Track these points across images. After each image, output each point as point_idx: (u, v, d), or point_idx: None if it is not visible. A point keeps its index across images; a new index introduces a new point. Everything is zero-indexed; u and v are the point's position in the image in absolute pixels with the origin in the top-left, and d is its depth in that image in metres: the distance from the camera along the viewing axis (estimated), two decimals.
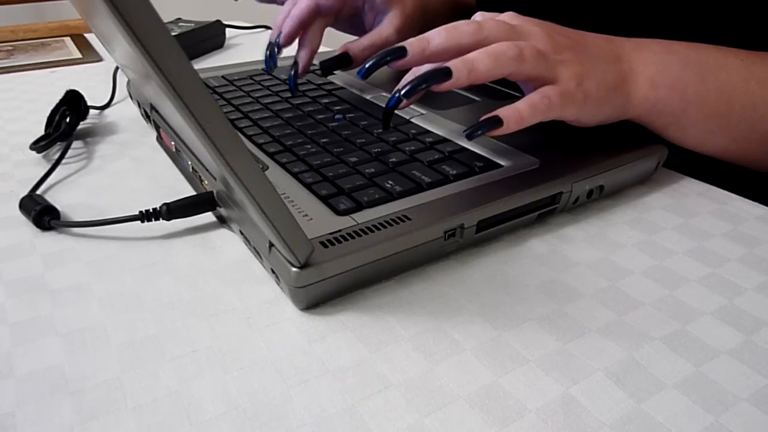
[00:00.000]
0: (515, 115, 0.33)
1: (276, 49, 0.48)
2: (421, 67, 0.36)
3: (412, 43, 0.33)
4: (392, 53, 0.33)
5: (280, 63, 0.59)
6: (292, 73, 0.48)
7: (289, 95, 0.49)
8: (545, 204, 0.35)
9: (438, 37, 0.33)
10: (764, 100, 0.37)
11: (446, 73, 0.32)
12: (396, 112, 0.45)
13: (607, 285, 0.30)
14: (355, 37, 0.51)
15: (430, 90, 0.33)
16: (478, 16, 0.37)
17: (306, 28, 0.48)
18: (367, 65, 0.33)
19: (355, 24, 0.56)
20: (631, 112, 0.38)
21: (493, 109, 0.33)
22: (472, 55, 0.33)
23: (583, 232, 0.35)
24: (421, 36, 0.34)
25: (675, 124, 0.39)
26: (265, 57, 0.49)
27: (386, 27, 0.51)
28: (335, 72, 0.54)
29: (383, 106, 0.47)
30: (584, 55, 0.36)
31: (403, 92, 0.33)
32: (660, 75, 0.37)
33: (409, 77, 0.36)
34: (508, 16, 0.36)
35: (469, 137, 0.33)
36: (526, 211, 0.34)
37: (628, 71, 0.37)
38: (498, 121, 0.33)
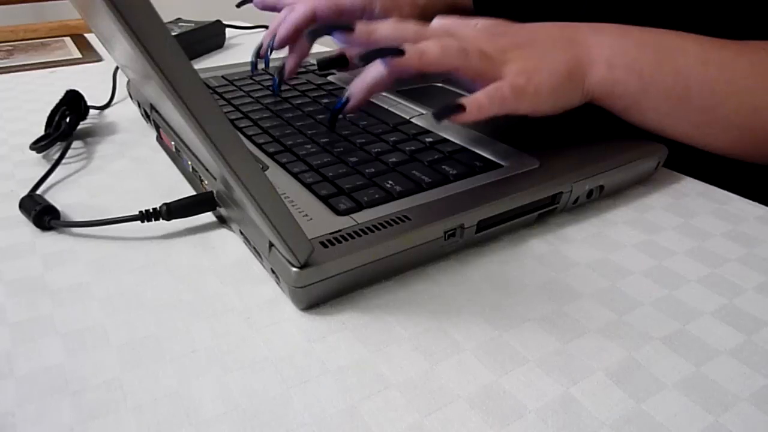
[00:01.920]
0: (475, 103, 0.34)
1: (269, 51, 0.49)
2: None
3: (359, 25, 0.35)
4: (340, 26, 0.35)
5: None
6: (277, 77, 0.49)
7: (290, 95, 0.49)
8: (545, 204, 0.35)
9: (385, 27, 0.36)
10: (722, 84, 0.37)
11: (399, 52, 0.34)
12: (395, 111, 0.45)
13: (607, 285, 0.30)
14: None
15: (386, 74, 0.36)
16: (436, 20, 0.39)
17: (298, 37, 0.49)
18: (314, 27, 0.36)
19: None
20: (588, 95, 0.39)
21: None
22: (423, 43, 0.34)
23: (583, 232, 0.35)
24: (370, 21, 0.36)
25: (634, 107, 0.39)
26: (253, 58, 0.51)
27: None
28: (334, 71, 0.55)
29: (382, 106, 0.47)
30: (531, 49, 0.37)
31: (359, 58, 0.34)
32: (616, 56, 0.38)
33: (359, 81, 0.38)
34: (448, 23, 0.39)
35: (437, 119, 0.34)
36: (526, 211, 0.34)
37: (583, 54, 0.38)
38: (460, 107, 0.34)
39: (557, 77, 0.37)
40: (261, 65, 0.54)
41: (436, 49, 0.34)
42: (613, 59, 0.38)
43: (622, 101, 0.39)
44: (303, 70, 0.57)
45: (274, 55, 0.52)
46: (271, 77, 0.55)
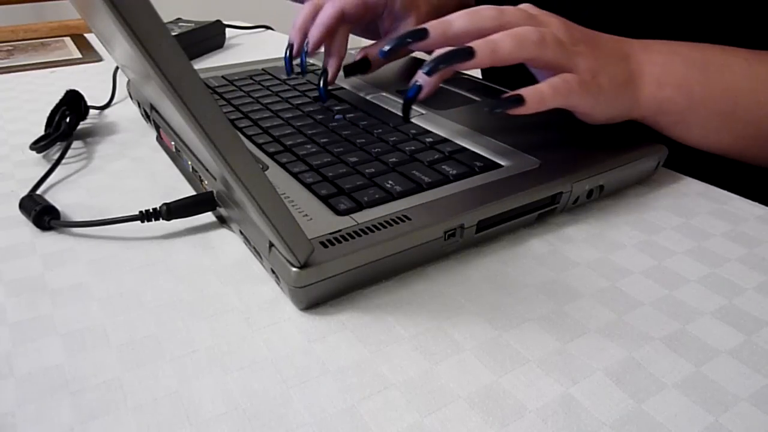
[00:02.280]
0: (537, 95, 0.33)
1: (304, 56, 0.48)
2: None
3: (433, 25, 0.33)
4: (413, 35, 0.33)
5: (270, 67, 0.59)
6: (322, 82, 0.48)
7: (290, 95, 0.49)
8: (545, 204, 0.35)
9: (460, 20, 0.34)
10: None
11: (469, 53, 0.32)
12: (395, 111, 0.45)
13: (607, 285, 0.30)
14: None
15: (454, 70, 0.33)
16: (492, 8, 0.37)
17: (332, 35, 0.48)
18: (387, 47, 0.34)
19: (372, 29, 0.57)
20: (637, 112, 0.39)
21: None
22: (495, 36, 0.33)
23: (583, 232, 0.35)
24: (442, 18, 0.34)
25: (680, 123, 0.39)
26: (287, 60, 0.48)
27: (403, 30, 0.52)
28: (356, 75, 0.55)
29: (382, 106, 0.47)
30: (597, 50, 0.36)
31: (425, 70, 0.33)
32: (666, 75, 0.38)
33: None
34: (527, 6, 0.37)
35: (491, 111, 0.33)
36: (526, 211, 0.34)
37: (636, 71, 0.38)
38: (519, 100, 0.32)
39: (616, 84, 0.36)
40: (296, 69, 0.54)
41: (511, 43, 0.33)
42: (663, 77, 0.38)
43: (669, 118, 0.39)
44: (303, 70, 0.57)
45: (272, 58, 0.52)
46: (272, 78, 0.55)
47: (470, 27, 0.34)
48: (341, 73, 0.56)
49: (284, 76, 0.55)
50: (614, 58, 0.37)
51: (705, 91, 0.38)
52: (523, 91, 0.33)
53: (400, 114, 0.45)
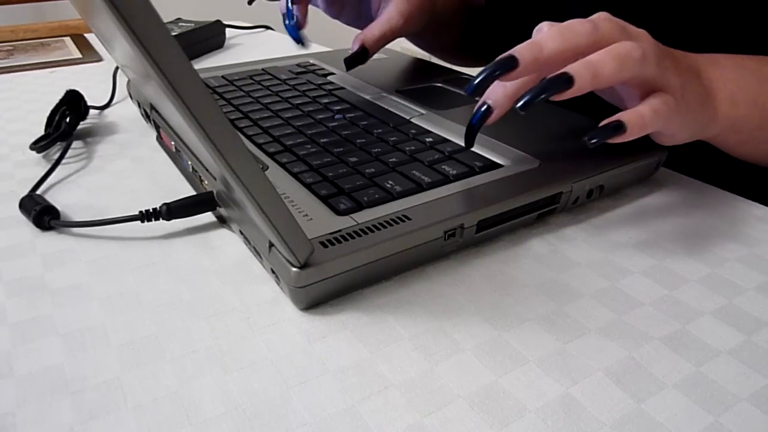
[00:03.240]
0: (639, 120, 0.30)
1: (290, 7, 0.49)
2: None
3: (522, 52, 0.30)
4: (502, 66, 0.30)
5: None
6: (291, 24, 0.49)
7: (290, 95, 0.49)
8: (545, 204, 0.35)
9: (552, 41, 0.30)
10: None
11: (567, 81, 0.29)
12: (395, 112, 0.45)
13: (607, 285, 0.30)
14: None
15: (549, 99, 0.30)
16: (576, 21, 0.32)
17: None
18: (475, 82, 0.30)
19: (364, 14, 0.55)
20: (711, 131, 0.37)
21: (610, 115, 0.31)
22: (594, 57, 0.29)
23: (583, 232, 0.35)
24: (531, 41, 0.30)
25: (750, 141, 0.38)
26: (287, 28, 0.50)
27: (393, 15, 0.50)
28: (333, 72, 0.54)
29: (382, 106, 0.47)
30: (679, 65, 0.33)
31: (519, 105, 0.29)
32: (740, 92, 0.36)
33: (499, 87, 0.33)
34: (608, 17, 0.33)
35: (591, 144, 0.30)
36: (526, 211, 0.34)
37: (709, 87, 0.35)
38: (620, 127, 0.30)
39: (699, 101, 0.34)
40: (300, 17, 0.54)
41: (613, 64, 0.29)
42: (738, 95, 0.36)
43: (740, 137, 0.37)
44: (303, 70, 0.57)
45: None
46: (272, 77, 0.55)
47: (565, 48, 0.30)
48: (346, 73, 0.56)
49: (284, 76, 0.55)
50: (692, 74, 0.34)
51: None
52: (624, 117, 0.30)
53: (400, 114, 0.45)
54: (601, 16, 0.32)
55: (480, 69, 0.30)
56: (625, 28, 0.32)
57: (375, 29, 0.49)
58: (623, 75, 0.30)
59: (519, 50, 0.30)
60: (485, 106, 0.33)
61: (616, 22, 0.32)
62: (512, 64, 0.29)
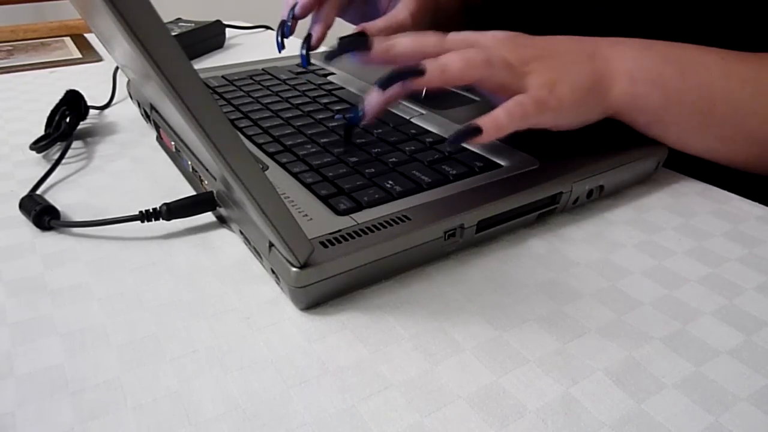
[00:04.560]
0: (493, 123, 0.33)
1: (290, 19, 0.48)
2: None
3: (379, 41, 0.34)
4: (357, 43, 0.34)
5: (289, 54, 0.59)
6: (305, 48, 0.48)
7: (290, 95, 0.49)
8: (545, 204, 0.35)
9: (404, 41, 0.35)
10: (745, 99, 0.37)
11: (419, 71, 0.32)
12: (395, 112, 0.45)
13: (607, 285, 0.30)
14: None
15: (405, 89, 0.34)
16: (453, 34, 0.37)
17: (321, 3, 0.48)
18: (330, 51, 0.35)
19: (369, 13, 0.56)
20: (610, 110, 0.38)
21: (471, 118, 0.34)
22: (443, 57, 0.33)
23: (583, 232, 0.35)
24: (388, 37, 0.35)
25: (657, 122, 0.38)
26: (278, 37, 0.49)
27: (401, 10, 0.51)
28: (333, 72, 0.54)
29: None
30: (553, 61, 0.36)
31: (379, 82, 0.33)
32: (639, 70, 0.37)
33: (372, 95, 0.37)
34: (472, 33, 0.37)
35: (451, 145, 0.33)
36: (526, 211, 0.34)
37: (604, 68, 0.37)
38: (476, 130, 0.32)
39: (580, 91, 0.36)
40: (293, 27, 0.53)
41: (459, 62, 0.33)
42: (636, 73, 0.37)
43: (645, 116, 0.38)
44: (303, 70, 0.57)
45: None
46: (272, 77, 0.55)
47: (413, 49, 0.35)
48: (346, 73, 0.56)
49: (284, 76, 0.55)
50: (576, 61, 0.36)
51: (680, 87, 0.37)
52: (480, 121, 0.33)
53: (400, 114, 0.45)
54: (453, 33, 0.36)
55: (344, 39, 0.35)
56: (477, 41, 0.36)
57: (380, 21, 0.50)
58: (469, 74, 0.33)
59: (376, 38, 0.35)
60: (361, 109, 0.37)
61: (465, 37, 0.36)
62: (366, 45, 0.34)
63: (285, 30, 0.48)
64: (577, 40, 0.38)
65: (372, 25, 0.49)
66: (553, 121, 0.35)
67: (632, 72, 0.37)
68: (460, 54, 0.33)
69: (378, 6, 0.54)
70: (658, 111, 0.38)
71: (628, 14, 0.48)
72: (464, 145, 0.38)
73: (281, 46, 0.49)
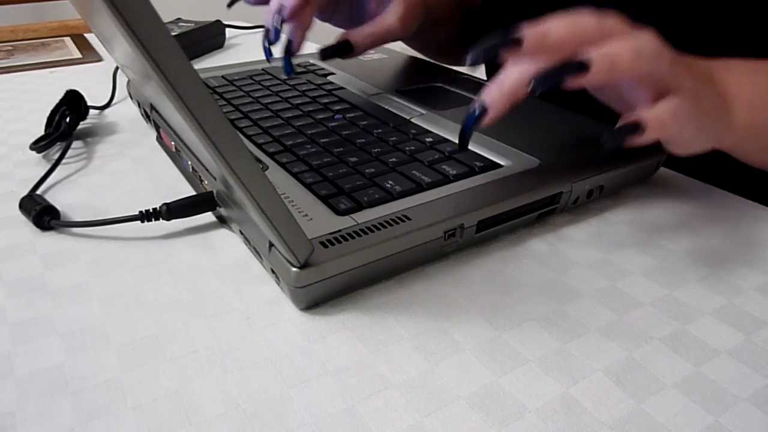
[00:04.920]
0: (658, 121, 0.29)
1: (279, 26, 0.45)
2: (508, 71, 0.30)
3: (528, 33, 0.28)
4: (506, 41, 0.28)
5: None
6: (286, 54, 0.46)
7: (290, 95, 0.49)
8: (545, 204, 0.35)
9: (558, 27, 0.28)
10: None
11: (583, 66, 0.27)
12: (395, 112, 0.45)
13: (607, 285, 0.30)
14: None
15: (560, 87, 0.28)
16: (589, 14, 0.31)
17: (303, 7, 0.45)
18: (473, 55, 0.28)
19: (355, 17, 0.54)
20: (728, 139, 0.35)
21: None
22: (612, 47, 0.28)
23: (583, 232, 0.35)
24: (537, 26, 0.29)
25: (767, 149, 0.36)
26: (264, 44, 0.47)
27: (389, 15, 0.48)
28: (333, 73, 0.54)
29: (382, 106, 0.47)
30: (692, 70, 0.31)
31: (533, 86, 0.28)
32: (757, 97, 0.34)
33: (495, 87, 0.30)
34: (615, 15, 0.31)
35: (608, 143, 0.29)
36: (526, 211, 0.34)
37: (724, 94, 0.33)
38: (637, 127, 0.28)
39: (715, 109, 0.32)
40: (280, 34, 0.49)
41: (630, 55, 0.28)
42: (755, 100, 0.34)
43: (759, 143, 0.36)
44: (303, 70, 0.57)
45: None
46: (272, 77, 0.55)
47: (570, 37, 0.29)
48: (346, 73, 0.56)
49: (284, 76, 0.55)
50: (706, 79, 0.32)
51: None
52: (643, 117, 0.28)
53: (400, 114, 0.45)
54: (608, 15, 0.31)
55: (483, 43, 0.29)
56: (633, 26, 0.30)
57: (367, 27, 0.47)
58: (639, 68, 0.28)
59: (526, 31, 0.28)
60: (480, 108, 0.31)
61: (623, 20, 0.30)
62: (516, 42, 0.28)
63: (272, 37, 0.46)
64: (695, 58, 0.34)
65: (358, 33, 0.47)
66: (694, 133, 0.31)
67: (752, 100, 0.34)
68: (630, 43, 0.28)
69: (365, 10, 0.52)
70: None
71: (642, 17, 0.48)
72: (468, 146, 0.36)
73: (269, 54, 0.47)
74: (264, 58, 0.50)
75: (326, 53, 0.46)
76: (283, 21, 0.45)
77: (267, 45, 0.47)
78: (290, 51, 0.46)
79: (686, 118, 0.30)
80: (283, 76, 0.55)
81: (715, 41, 0.42)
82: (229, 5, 0.61)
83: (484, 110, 0.30)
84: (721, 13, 0.43)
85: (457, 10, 0.64)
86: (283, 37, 0.47)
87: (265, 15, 0.47)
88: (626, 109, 0.33)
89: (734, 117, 0.34)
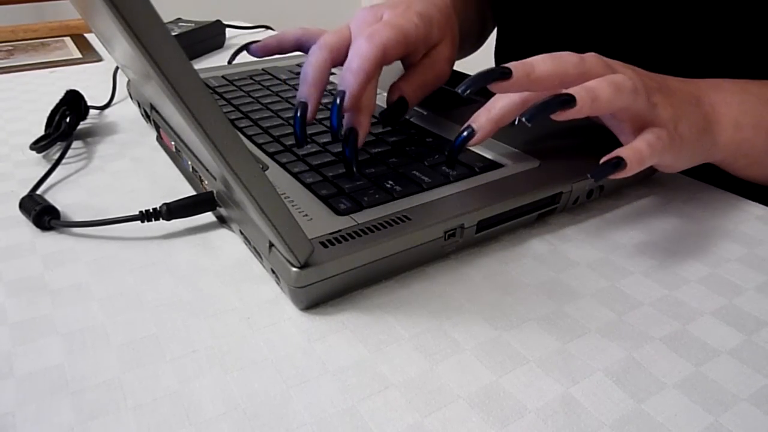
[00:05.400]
0: (636, 155, 0.31)
1: (336, 120, 0.35)
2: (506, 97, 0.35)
3: (516, 66, 0.31)
4: (496, 74, 0.30)
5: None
6: (299, 122, 0.36)
7: (290, 95, 0.49)
8: (545, 204, 0.35)
9: (543, 64, 0.31)
10: None
11: (569, 101, 0.29)
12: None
13: (607, 285, 0.30)
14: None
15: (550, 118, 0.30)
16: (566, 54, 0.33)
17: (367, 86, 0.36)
18: (470, 82, 0.31)
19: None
20: (716, 155, 0.37)
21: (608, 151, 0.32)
22: (593, 83, 0.30)
23: (583, 232, 0.35)
24: (524, 60, 0.31)
25: (757, 164, 0.38)
26: (298, 126, 0.36)
27: (439, 59, 0.43)
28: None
29: (382, 106, 0.47)
30: (673, 97, 0.34)
31: (526, 117, 0.29)
32: (744, 115, 0.36)
33: (484, 112, 0.35)
34: (595, 55, 0.34)
35: (595, 178, 0.31)
36: (526, 211, 0.34)
37: (711, 113, 0.36)
38: (620, 163, 0.31)
39: (696, 131, 0.34)
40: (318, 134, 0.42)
41: (609, 90, 0.30)
42: (741, 118, 0.36)
43: (746, 160, 0.38)
44: None
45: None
46: (272, 77, 0.55)
47: (554, 72, 0.31)
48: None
49: (284, 76, 0.55)
50: (688, 103, 0.34)
51: None
52: (622, 153, 0.31)
53: None
54: (589, 54, 0.33)
55: (475, 75, 0.31)
56: (611, 65, 0.33)
57: (417, 77, 0.42)
58: (617, 103, 0.30)
59: (514, 65, 0.31)
60: (469, 130, 0.35)
61: (602, 59, 0.33)
62: (506, 74, 0.30)
63: (334, 126, 0.35)
64: (683, 81, 0.36)
65: (408, 86, 0.41)
66: (674, 159, 0.34)
67: (737, 118, 0.36)
68: (610, 80, 0.30)
69: (412, 58, 0.43)
70: (760, 154, 0.37)
71: (632, 41, 0.48)
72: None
73: (303, 139, 0.36)
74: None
75: (387, 117, 0.41)
76: (340, 107, 0.35)
77: (300, 123, 0.36)
78: (304, 117, 0.36)
79: (664, 147, 0.32)
80: (283, 76, 0.55)
81: (703, 62, 0.42)
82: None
83: (472, 132, 0.35)
84: (710, 33, 0.43)
85: (478, 21, 0.65)
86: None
87: (303, 74, 0.37)
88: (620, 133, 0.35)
89: (720, 135, 0.36)
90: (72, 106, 0.48)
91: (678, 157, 0.34)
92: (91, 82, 0.64)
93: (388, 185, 0.33)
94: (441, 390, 0.24)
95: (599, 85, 0.30)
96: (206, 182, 0.36)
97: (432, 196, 0.33)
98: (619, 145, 0.37)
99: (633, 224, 0.36)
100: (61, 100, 0.48)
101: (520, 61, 0.31)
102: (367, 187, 0.33)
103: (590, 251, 0.33)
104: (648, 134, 0.32)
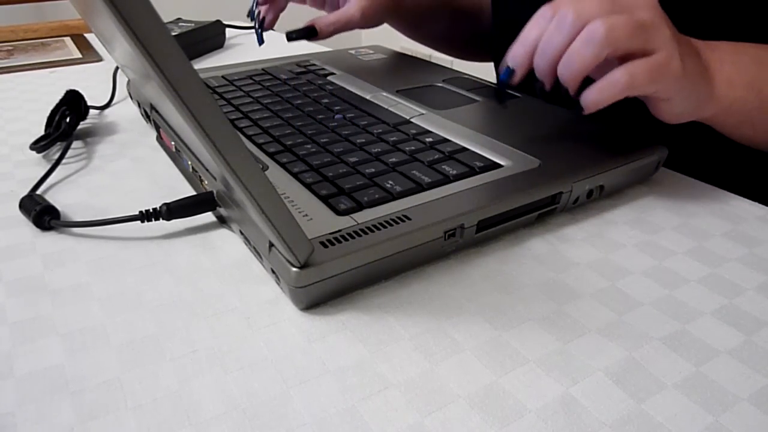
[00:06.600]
0: (632, 74, 0.32)
1: (256, 9, 0.56)
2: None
3: (515, 48, 0.35)
4: (307, 34, 0.42)
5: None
6: (258, 27, 0.57)
7: (290, 95, 0.49)
8: (545, 204, 0.35)
9: (539, 37, 0.34)
10: None
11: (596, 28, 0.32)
12: (395, 111, 0.45)
13: (607, 285, 0.30)
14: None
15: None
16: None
17: None
18: (289, 33, 0.44)
19: (330, 2, 0.62)
20: (709, 109, 0.37)
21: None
22: (612, 17, 0.32)
23: (583, 232, 0.35)
24: (520, 40, 0.35)
25: (747, 123, 0.39)
26: (257, 31, 0.57)
27: (352, 6, 0.57)
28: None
29: (382, 106, 0.47)
30: (679, 36, 0.34)
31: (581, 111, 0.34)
32: (737, 74, 0.37)
33: (517, 49, 0.36)
34: None
35: (579, 113, 0.33)
36: (526, 211, 0.34)
37: (707, 68, 0.36)
38: (615, 82, 0.32)
39: (698, 73, 0.35)
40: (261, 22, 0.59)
41: (628, 24, 0.32)
42: (734, 77, 0.37)
43: (736, 118, 0.38)
44: (303, 70, 0.57)
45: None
46: (272, 78, 0.55)
47: (554, 36, 0.34)
48: (346, 73, 0.56)
49: (284, 76, 0.55)
50: (693, 50, 0.35)
51: None
52: (617, 72, 0.32)
53: (400, 114, 0.45)
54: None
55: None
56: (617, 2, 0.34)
57: (330, 16, 0.56)
58: (625, 40, 0.32)
59: (514, 48, 0.35)
60: (507, 70, 0.37)
61: None
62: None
63: (251, 17, 0.57)
64: (681, 35, 0.37)
65: (322, 21, 0.55)
66: (676, 90, 0.34)
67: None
68: (620, 16, 0.32)
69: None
70: (751, 113, 0.38)
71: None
72: (470, 149, 0.38)
73: (261, 39, 0.57)
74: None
75: (291, 36, 0.54)
76: (258, 2, 0.55)
77: (257, 28, 0.58)
78: (263, 26, 0.57)
79: (664, 72, 0.33)
80: (283, 76, 0.55)
81: (714, 31, 0.42)
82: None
83: (511, 70, 0.37)
84: (713, 13, 0.43)
85: (443, 9, 0.66)
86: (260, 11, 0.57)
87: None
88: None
89: (714, 90, 0.37)
90: (72, 106, 0.48)
91: (680, 89, 0.34)
92: (91, 82, 0.64)
93: (388, 185, 0.33)
94: (441, 390, 0.24)
95: (617, 19, 0.32)
96: (206, 182, 0.36)
97: (432, 195, 0.33)
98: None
99: (633, 224, 0.36)
100: (61, 100, 0.48)
101: (518, 42, 0.35)
102: (367, 187, 0.33)
103: (590, 251, 0.33)
104: (651, 57, 0.33)
